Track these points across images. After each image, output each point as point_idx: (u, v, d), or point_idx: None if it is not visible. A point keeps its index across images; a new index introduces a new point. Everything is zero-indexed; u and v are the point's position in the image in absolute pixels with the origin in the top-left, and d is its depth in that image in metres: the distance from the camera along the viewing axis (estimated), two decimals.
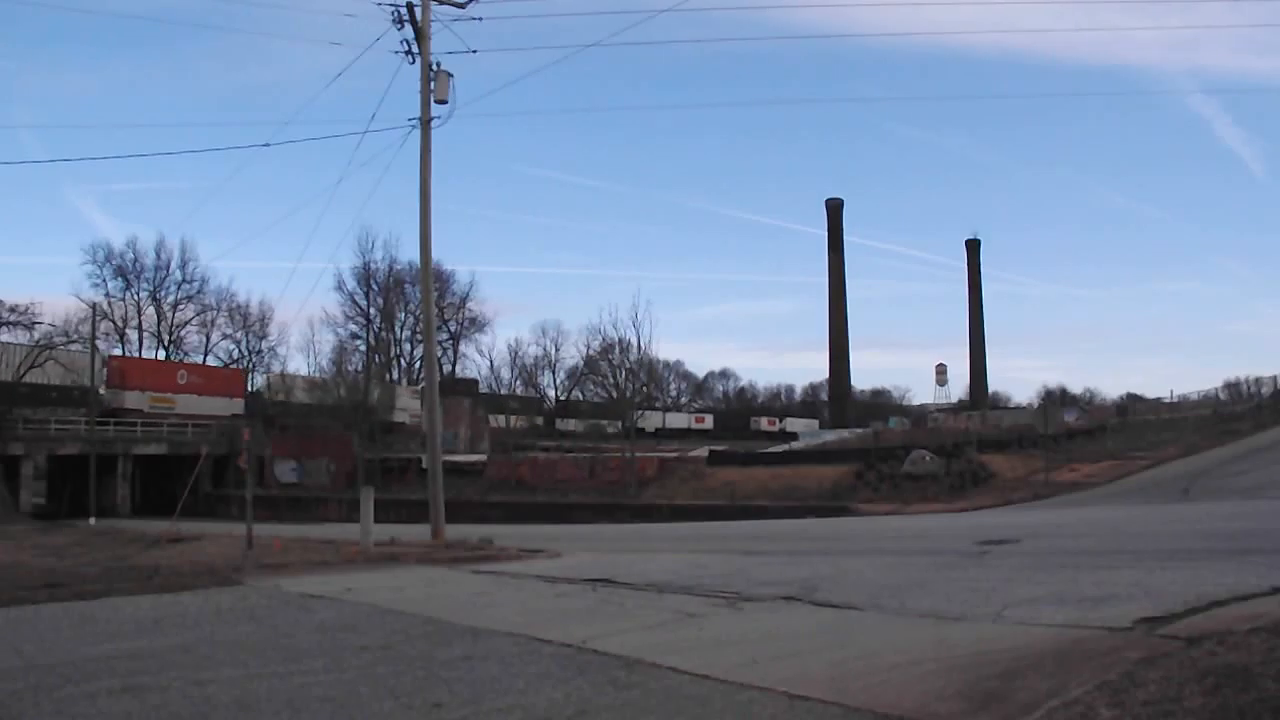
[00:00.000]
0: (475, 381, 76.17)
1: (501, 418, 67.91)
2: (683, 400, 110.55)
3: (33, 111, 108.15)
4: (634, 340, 54.82)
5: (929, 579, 7.88)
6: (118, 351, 65.47)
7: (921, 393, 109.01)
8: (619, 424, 69.91)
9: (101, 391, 50.26)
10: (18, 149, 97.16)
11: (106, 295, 67.25)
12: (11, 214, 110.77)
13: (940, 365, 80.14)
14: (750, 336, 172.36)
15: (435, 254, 18.90)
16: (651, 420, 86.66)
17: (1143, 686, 3.57)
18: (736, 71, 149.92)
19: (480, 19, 18.05)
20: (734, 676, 4.40)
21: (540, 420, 74.33)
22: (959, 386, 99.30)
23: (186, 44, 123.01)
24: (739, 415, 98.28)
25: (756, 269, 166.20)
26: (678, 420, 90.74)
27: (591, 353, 75.24)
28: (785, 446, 60.56)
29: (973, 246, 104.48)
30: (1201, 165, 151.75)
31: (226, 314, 74.32)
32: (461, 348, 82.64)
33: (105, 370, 53.70)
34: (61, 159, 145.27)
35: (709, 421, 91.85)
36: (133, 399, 54.90)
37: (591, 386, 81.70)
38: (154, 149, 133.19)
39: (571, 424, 73.63)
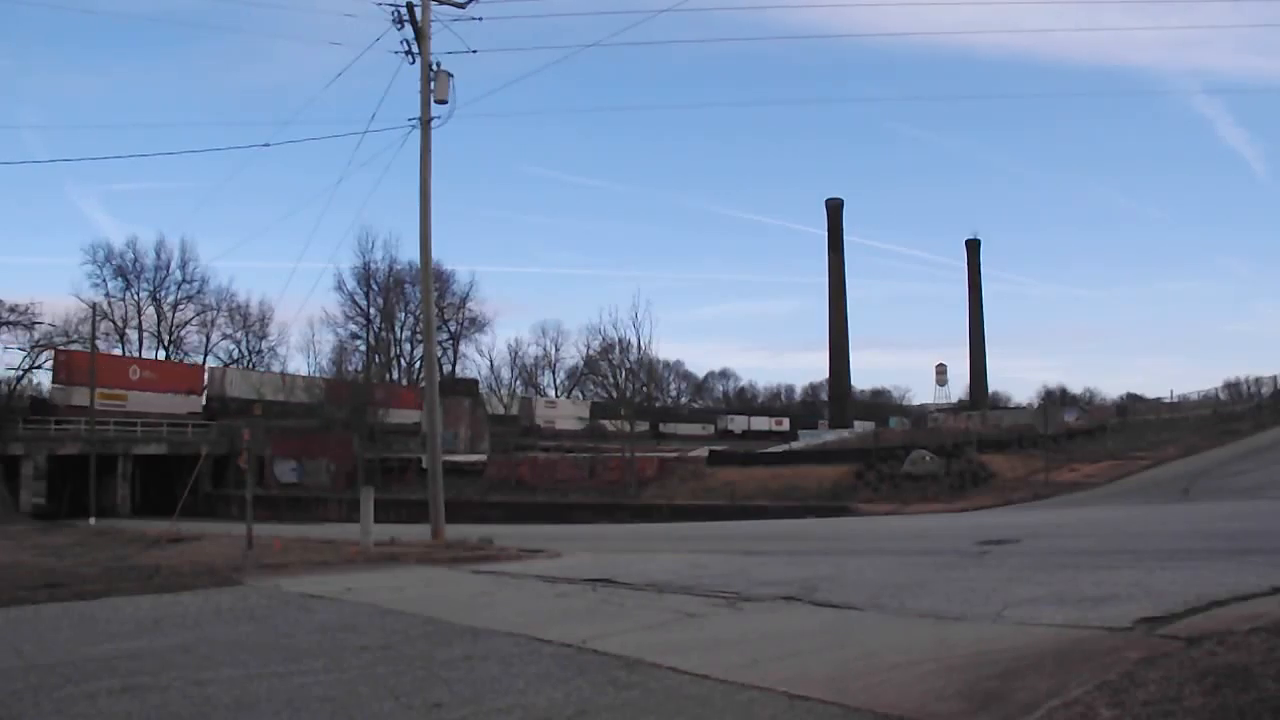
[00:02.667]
0: (475, 381, 76.15)
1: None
2: (683, 400, 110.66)
3: (36, 112, 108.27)
4: (634, 340, 55.01)
5: (929, 579, 7.88)
6: (117, 351, 65.83)
7: (921, 393, 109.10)
8: (711, 427, 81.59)
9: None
10: (21, 149, 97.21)
11: (106, 295, 67.62)
12: (14, 214, 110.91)
13: (940, 365, 79.84)
14: (750, 336, 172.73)
15: (435, 254, 18.93)
16: (739, 423, 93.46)
17: (1143, 686, 3.57)
18: (736, 71, 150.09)
19: (480, 19, 18.06)
20: (734, 676, 4.40)
21: (647, 426, 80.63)
22: (959, 386, 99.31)
23: (187, 44, 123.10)
24: (812, 417, 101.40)
25: (756, 269, 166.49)
26: (761, 423, 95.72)
27: (591, 353, 75.71)
28: (785, 446, 60.54)
29: (973, 246, 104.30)
30: (1204, 165, 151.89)
31: (226, 314, 74.60)
32: (461, 348, 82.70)
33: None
34: (62, 159, 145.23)
35: (786, 424, 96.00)
36: (396, 415, 63.43)
37: (591, 386, 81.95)
38: (155, 149, 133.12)
39: (682, 429, 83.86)
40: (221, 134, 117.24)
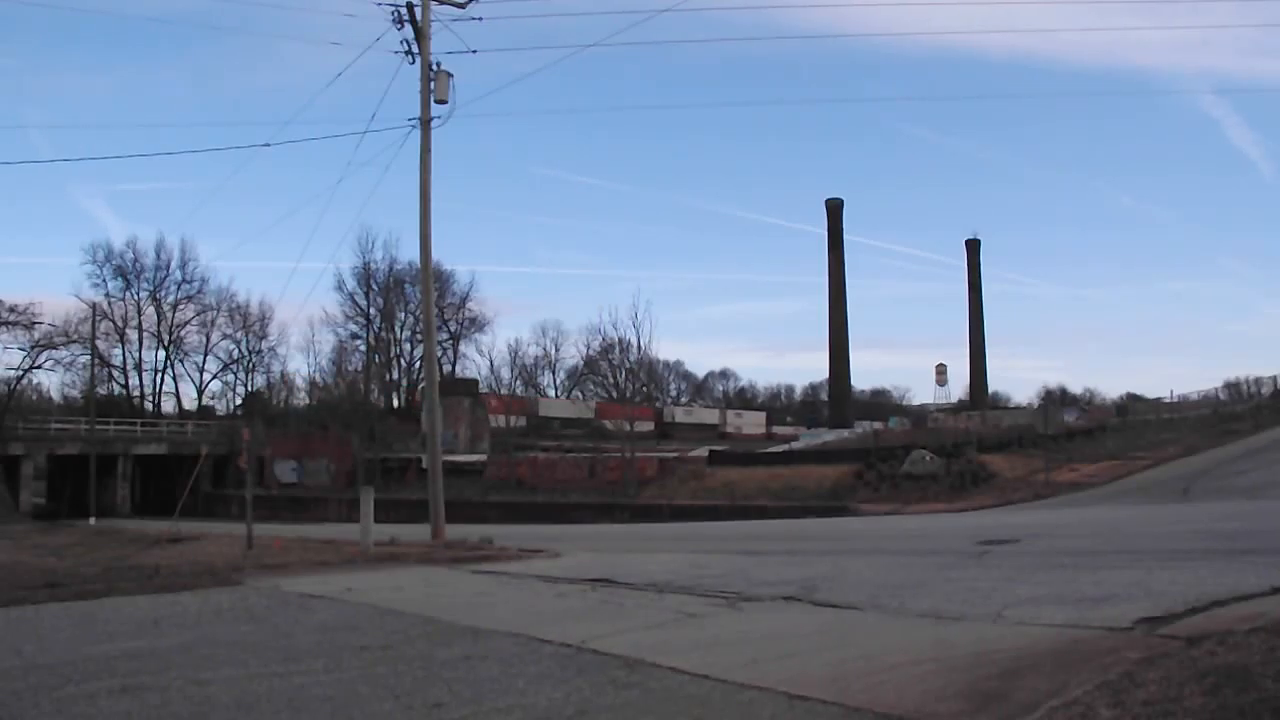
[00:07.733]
0: (475, 381, 76.08)
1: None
2: (683, 400, 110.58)
3: (40, 111, 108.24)
4: (634, 340, 55.14)
5: (929, 579, 7.88)
6: (117, 351, 66.08)
7: (921, 393, 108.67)
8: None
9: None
10: (27, 149, 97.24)
11: (106, 295, 67.57)
12: (17, 214, 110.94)
13: (940, 365, 79.53)
14: (751, 336, 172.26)
15: (435, 254, 18.95)
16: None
17: (1143, 686, 3.57)
18: (737, 71, 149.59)
19: (480, 19, 18.09)
20: (734, 676, 4.40)
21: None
22: (959, 386, 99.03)
23: (189, 44, 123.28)
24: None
25: (756, 269, 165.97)
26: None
27: (591, 353, 75.83)
28: (785, 446, 60.52)
29: (973, 246, 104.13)
30: (1210, 166, 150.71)
31: (226, 314, 74.45)
32: (461, 348, 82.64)
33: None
34: (62, 159, 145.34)
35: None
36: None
37: (591, 386, 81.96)
38: (156, 149, 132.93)
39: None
40: (222, 134, 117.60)
